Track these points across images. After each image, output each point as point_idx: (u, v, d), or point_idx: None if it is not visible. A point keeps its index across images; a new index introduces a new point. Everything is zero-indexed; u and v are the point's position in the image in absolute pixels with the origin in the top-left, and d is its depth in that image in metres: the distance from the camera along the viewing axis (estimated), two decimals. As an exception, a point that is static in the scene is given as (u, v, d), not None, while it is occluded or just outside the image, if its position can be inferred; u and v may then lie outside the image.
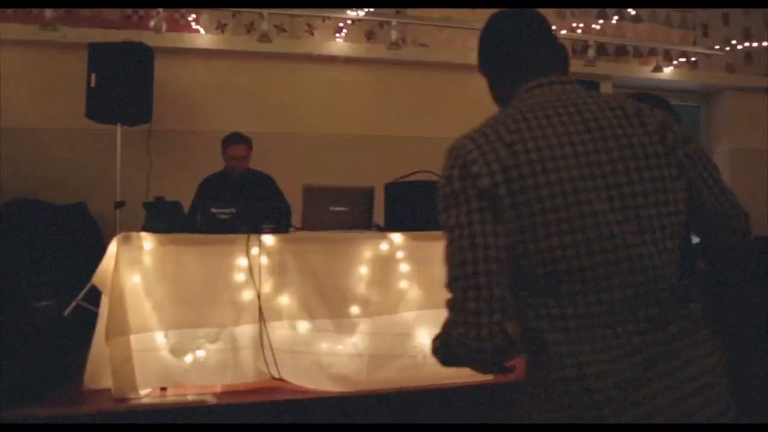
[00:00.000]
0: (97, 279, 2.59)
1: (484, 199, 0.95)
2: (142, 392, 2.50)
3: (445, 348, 0.98)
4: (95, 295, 2.72)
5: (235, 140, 3.59)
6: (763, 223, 5.18)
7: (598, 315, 0.96)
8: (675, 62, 5.49)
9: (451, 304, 0.96)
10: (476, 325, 0.91)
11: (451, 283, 0.96)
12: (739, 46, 5.54)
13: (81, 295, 3.30)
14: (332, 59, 4.73)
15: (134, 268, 2.54)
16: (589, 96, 1.06)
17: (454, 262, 0.96)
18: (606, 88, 5.19)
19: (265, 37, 4.31)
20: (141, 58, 3.74)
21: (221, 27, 4.52)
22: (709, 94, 5.84)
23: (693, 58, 5.54)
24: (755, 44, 5.55)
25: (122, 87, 3.60)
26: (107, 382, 2.50)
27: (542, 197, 0.95)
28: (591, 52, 5.05)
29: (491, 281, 0.92)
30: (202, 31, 4.45)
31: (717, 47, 5.49)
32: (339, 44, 4.73)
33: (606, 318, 0.96)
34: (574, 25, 5.23)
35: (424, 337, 2.76)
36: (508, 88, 1.14)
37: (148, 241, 2.58)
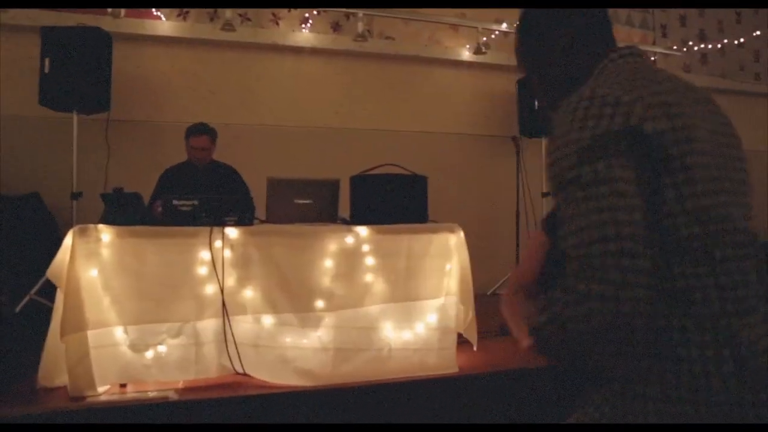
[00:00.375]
0: (51, 273, 2.50)
1: (630, 154, 0.84)
2: (100, 389, 2.44)
3: (556, 327, 0.82)
4: (50, 290, 2.63)
5: (198, 131, 3.52)
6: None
7: (743, 285, 0.89)
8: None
9: (580, 275, 0.80)
10: (615, 299, 0.77)
11: (583, 249, 0.81)
12: (696, 47, 5.73)
13: (34, 289, 3.19)
14: (297, 50, 4.67)
15: (91, 262, 2.46)
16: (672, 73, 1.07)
17: (590, 222, 0.81)
18: (569, 84, 5.29)
19: (228, 26, 4.23)
20: (98, 43, 3.61)
21: (183, 14, 4.40)
22: (667, 92, 6.02)
23: (653, 58, 5.69)
24: (710, 46, 5.75)
25: (78, 73, 3.47)
26: (63, 379, 2.43)
27: (696, 151, 0.88)
28: (554, 49, 5.13)
29: (637, 248, 0.79)
30: (162, 17, 4.32)
31: (675, 47, 5.66)
32: (304, 35, 4.67)
33: (750, 289, 0.90)
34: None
35: (389, 331, 2.78)
36: (588, 61, 1.07)
37: (106, 233, 2.50)
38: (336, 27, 4.78)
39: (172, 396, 2.44)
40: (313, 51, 4.71)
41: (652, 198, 0.86)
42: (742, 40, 5.79)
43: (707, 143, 0.91)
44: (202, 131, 3.52)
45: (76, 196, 3.51)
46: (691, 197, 0.87)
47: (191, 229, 2.59)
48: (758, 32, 5.68)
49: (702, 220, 0.87)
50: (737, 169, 0.97)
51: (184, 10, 4.40)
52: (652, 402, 0.86)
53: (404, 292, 2.76)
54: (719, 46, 5.78)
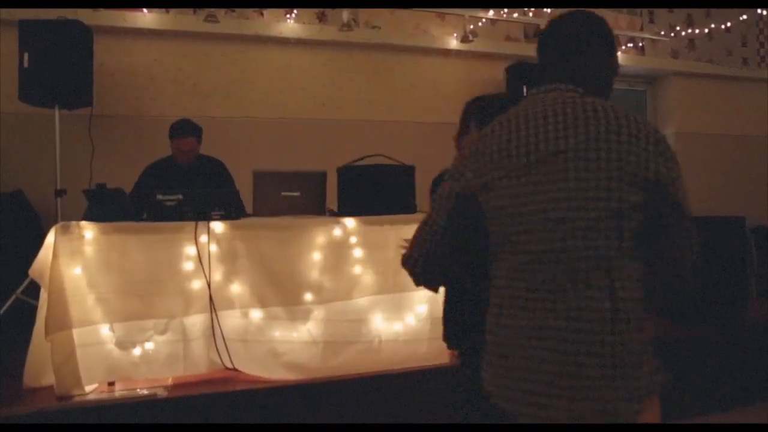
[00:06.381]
0: (34, 271, 2.47)
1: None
2: (88, 388, 2.42)
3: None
4: (37, 289, 2.57)
5: (182, 133, 3.37)
6: (706, 204, 5.40)
7: None
8: (623, 47, 5.61)
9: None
10: None
11: None
12: (683, 33, 5.71)
13: (20, 288, 3.15)
14: (282, 41, 4.61)
15: (75, 259, 2.44)
16: None
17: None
18: (557, 71, 5.25)
19: (211, 17, 4.16)
20: (78, 36, 3.52)
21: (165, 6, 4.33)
22: (655, 78, 6.01)
23: (640, 44, 5.67)
24: (697, 31, 5.73)
25: (58, 68, 3.39)
26: (49, 379, 2.41)
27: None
28: (542, 36, 5.09)
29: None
30: (144, 9, 4.25)
31: (662, 33, 5.64)
32: (289, 26, 4.61)
33: None
34: (526, 9, 5.27)
35: (378, 322, 2.77)
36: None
37: (89, 230, 2.47)
38: (321, 17, 4.73)
39: (162, 393, 2.42)
40: (299, 42, 4.64)
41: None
42: (729, 25, 5.77)
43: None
44: (185, 133, 3.37)
45: (60, 193, 3.44)
46: None
47: (176, 224, 2.56)
48: (744, 16, 5.66)
49: None
50: None
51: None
52: None
53: (393, 284, 2.75)
54: (707, 31, 5.76)
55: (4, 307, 3.14)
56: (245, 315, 2.63)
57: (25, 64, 3.36)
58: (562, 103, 1.17)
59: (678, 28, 5.70)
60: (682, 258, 1.14)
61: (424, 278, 1.35)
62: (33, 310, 2.53)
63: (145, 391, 2.43)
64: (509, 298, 1.17)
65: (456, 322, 1.65)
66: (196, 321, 2.58)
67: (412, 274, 1.35)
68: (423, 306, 2.80)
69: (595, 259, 1.08)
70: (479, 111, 1.67)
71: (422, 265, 1.31)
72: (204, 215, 2.59)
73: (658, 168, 1.10)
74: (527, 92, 1.29)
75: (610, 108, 1.15)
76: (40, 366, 2.44)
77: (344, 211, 2.85)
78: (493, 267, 1.24)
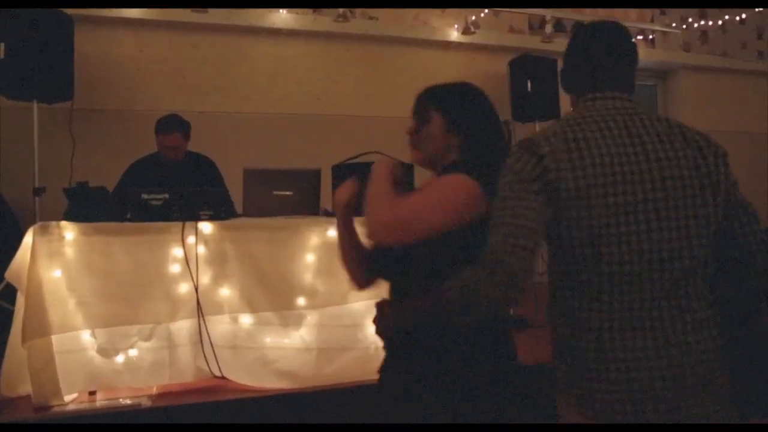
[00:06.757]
0: (10, 274, 2.41)
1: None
2: (68, 398, 2.38)
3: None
4: (14, 293, 2.52)
5: (168, 129, 3.28)
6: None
7: None
8: (632, 40, 5.50)
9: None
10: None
11: None
12: (695, 24, 5.59)
13: (-4, 292, 3.04)
14: (275, 32, 4.51)
15: (54, 261, 2.38)
16: None
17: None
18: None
19: (200, 7, 4.05)
20: (59, 26, 3.41)
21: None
22: (666, 72, 5.91)
23: (651, 36, 5.57)
24: (710, 23, 5.61)
25: (37, 59, 3.27)
26: (26, 388, 2.37)
27: None
28: (548, 28, 5.02)
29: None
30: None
31: (674, 25, 5.53)
32: (282, 16, 4.51)
33: None
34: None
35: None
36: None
37: (69, 230, 2.42)
38: (315, 7, 4.62)
39: (145, 402, 2.40)
40: (292, 33, 4.55)
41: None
42: (744, 16, 5.65)
43: None
44: (172, 129, 3.28)
45: (38, 191, 3.34)
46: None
47: (162, 224, 2.52)
48: (761, 8, 5.53)
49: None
50: None
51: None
52: None
53: (391, 288, 2.67)
54: (720, 23, 5.63)
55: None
56: (234, 320, 2.59)
57: (1, 55, 3.23)
58: (631, 115, 1.23)
59: (690, 20, 5.59)
60: (762, 257, 1.24)
61: (515, 293, 1.11)
62: (9, 315, 2.47)
63: (128, 401, 2.40)
64: (611, 320, 1.15)
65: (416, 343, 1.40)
66: (183, 326, 2.53)
67: (504, 298, 1.11)
68: (422, 310, 2.72)
69: (694, 274, 1.17)
70: (440, 98, 1.51)
71: (515, 273, 1.09)
72: (191, 215, 2.54)
73: (728, 177, 1.20)
74: (583, 97, 1.30)
75: (677, 122, 1.26)
76: (16, 374, 2.39)
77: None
78: (566, 285, 1.20)
